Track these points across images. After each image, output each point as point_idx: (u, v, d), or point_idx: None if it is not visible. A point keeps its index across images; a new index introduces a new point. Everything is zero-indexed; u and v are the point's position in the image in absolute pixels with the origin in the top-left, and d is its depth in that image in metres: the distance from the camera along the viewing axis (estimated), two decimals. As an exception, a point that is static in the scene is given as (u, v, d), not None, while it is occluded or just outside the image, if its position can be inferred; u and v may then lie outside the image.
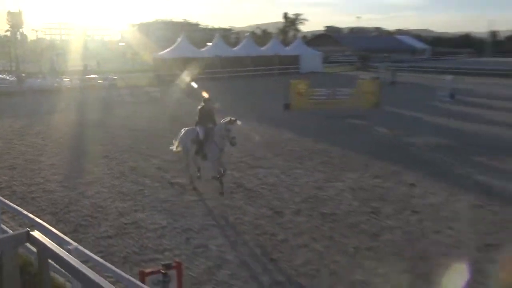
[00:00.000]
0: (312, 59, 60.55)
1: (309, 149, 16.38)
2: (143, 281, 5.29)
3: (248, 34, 71.76)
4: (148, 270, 5.65)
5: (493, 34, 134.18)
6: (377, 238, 8.89)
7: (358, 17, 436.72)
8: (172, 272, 5.74)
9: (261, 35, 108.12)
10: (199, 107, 11.79)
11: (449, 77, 31.97)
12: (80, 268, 2.28)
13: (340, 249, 8.39)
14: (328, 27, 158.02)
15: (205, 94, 12.12)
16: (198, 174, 12.25)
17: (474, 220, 9.84)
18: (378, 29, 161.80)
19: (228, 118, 10.99)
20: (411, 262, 7.96)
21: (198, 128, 11.68)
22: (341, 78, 47.62)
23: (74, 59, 51.37)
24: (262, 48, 58.88)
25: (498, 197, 11.32)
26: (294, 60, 58.17)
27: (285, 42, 74.35)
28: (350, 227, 9.38)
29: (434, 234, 9.11)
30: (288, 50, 60.95)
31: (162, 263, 5.82)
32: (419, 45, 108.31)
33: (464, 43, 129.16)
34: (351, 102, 26.20)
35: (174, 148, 12.43)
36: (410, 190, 11.82)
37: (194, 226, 9.44)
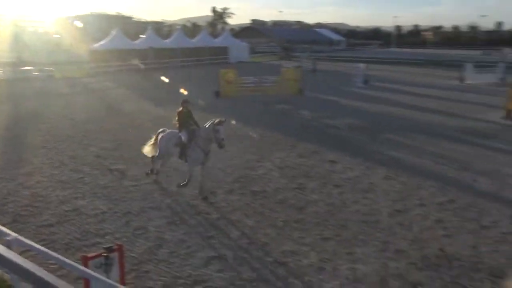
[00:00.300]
0: (239, 50, 60.68)
1: (238, 133, 16.39)
2: (85, 266, 5.09)
3: (179, 27, 70.44)
4: (90, 255, 5.46)
5: (398, 28, 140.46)
6: (303, 211, 9.09)
7: (280, 11, 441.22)
8: (114, 255, 5.58)
9: (191, 28, 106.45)
10: (178, 110, 10.22)
11: (362, 65, 33.19)
12: (10, 257, 2.13)
13: (270, 223, 8.50)
14: (253, 20, 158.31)
15: (184, 92, 11.29)
16: (149, 174, 11.01)
17: (386, 190, 10.32)
18: (299, 23, 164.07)
19: (217, 119, 9.64)
20: (334, 230, 8.22)
21: (181, 133, 10.18)
22: (267, 67, 47.95)
23: (4, 51, 47.68)
24: (193, 40, 58.10)
25: (406, 169, 11.94)
26: (223, 51, 57.93)
27: (214, 35, 73.62)
28: (279, 203, 9.53)
29: (353, 204, 9.47)
30: (217, 42, 60.57)
31: (104, 246, 5.64)
32: (335, 37, 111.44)
33: (374, 36, 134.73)
34: (276, 89, 26.55)
35: (147, 152, 10.96)
36: (331, 167, 12.17)
37: (134, 210, 9.19)
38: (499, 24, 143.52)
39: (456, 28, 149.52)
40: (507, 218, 8.84)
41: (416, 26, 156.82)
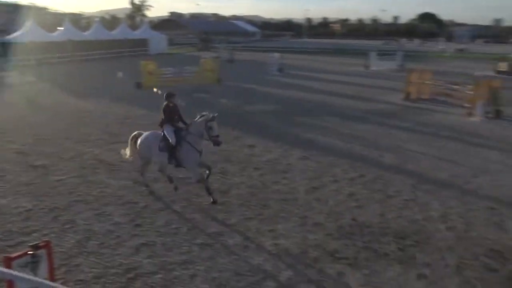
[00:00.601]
0: (159, 41, 59.05)
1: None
2: (9, 267, 4.64)
3: (98, 19, 66.77)
4: (14, 255, 5.02)
5: (309, 20, 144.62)
6: (227, 194, 9.07)
7: (198, 4, 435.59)
8: (42, 252, 5.20)
9: (110, 20, 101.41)
10: (163, 105, 8.71)
11: (277, 55, 33.75)
12: None
13: (196, 208, 8.39)
14: (171, 12, 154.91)
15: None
16: (176, 189, 9.14)
17: (303, 170, 10.60)
18: (215, 15, 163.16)
19: (210, 115, 8.40)
20: (256, 210, 8.30)
21: (165, 131, 8.58)
22: (186, 58, 47.07)
23: None
24: (112, 32, 55.36)
25: (320, 150, 12.35)
26: (143, 43, 56.00)
27: (133, 27, 70.72)
28: (203, 188, 9.39)
29: (273, 184, 9.61)
30: (137, 34, 58.37)
31: (30, 244, 5.23)
32: (251, 28, 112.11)
33: (287, 27, 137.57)
34: (196, 79, 26.19)
35: (126, 155, 9.49)
36: (250, 151, 12.26)
37: (61, 204, 8.58)
38: (396, 18, 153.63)
39: (360, 20, 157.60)
40: (409, 187, 9.52)
41: (325, 18, 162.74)
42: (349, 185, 9.65)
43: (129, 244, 7.03)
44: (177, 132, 8.54)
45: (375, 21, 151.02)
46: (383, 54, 40.59)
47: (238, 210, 8.31)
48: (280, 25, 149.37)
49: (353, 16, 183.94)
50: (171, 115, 8.68)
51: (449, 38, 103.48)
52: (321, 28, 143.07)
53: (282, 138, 13.51)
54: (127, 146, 9.45)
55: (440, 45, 72.50)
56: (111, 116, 16.80)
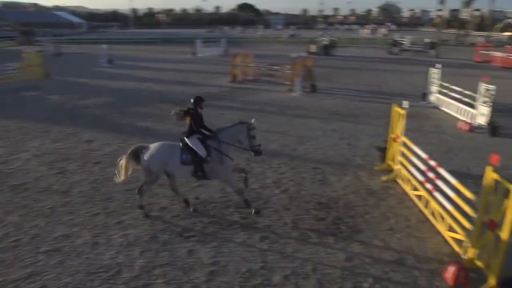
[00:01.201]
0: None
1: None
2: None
3: None
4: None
5: (134, 11, 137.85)
6: (69, 194, 8.24)
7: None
8: None
9: None
10: (190, 112, 7.00)
11: (105, 46, 31.34)
12: None
13: (37, 214, 7.41)
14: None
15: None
16: (190, 209, 7.56)
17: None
18: (35, 5, 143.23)
19: (249, 122, 7.07)
20: (101, 205, 7.76)
21: (191, 142, 6.93)
22: (4, 53, 40.51)
23: None
24: None
25: (157, 136, 11.82)
26: None
27: None
28: (42, 191, 8.36)
29: (114, 176, 8.99)
30: None
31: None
32: (76, 20, 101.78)
33: (113, 18, 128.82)
34: (20, 75, 22.82)
35: (120, 178, 7.34)
36: (88, 146, 11.30)
37: None
38: (218, 8, 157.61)
39: (184, 10, 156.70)
40: (244, 160, 9.74)
41: (150, 9, 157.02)
42: (188, 167, 9.66)
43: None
44: (203, 141, 7.05)
45: (198, 10, 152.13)
46: (209, 41, 41.27)
47: (83, 208, 7.64)
48: (106, 16, 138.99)
49: (177, 7, 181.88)
50: (200, 124, 7.11)
51: (266, 25, 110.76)
52: (147, 19, 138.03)
53: (119, 130, 12.77)
54: (120, 166, 7.34)
55: (259, 31, 76.87)
56: None
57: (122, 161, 7.32)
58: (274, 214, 7.44)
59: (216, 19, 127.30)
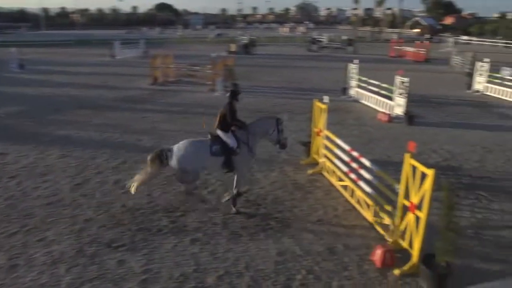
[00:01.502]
0: None
1: None
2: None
3: None
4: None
5: (45, 10, 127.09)
6: (-20, 213, 7.34)
7: None
8: None
9: None
10: (227, 104, 6.99)
11: (14, 50, 28.42)
12: None
13: None
14: None
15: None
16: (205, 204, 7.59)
17: (63, 168, 9.45)
18: None
19: (279, 116, 7.34)
20: (19, 223, 6.98)
21: (222, 135, 6.91)
22: None
23: None
24: None
25: (78, 144, 11.23)
26: None
27: None
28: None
29: (34, 190, 8.25)
30: None
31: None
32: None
33: (21, 18, 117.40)
34: None
35: (134, 186, 7.07)
36: (2, 159, 10.15)
37: None
38: (135, 8, 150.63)
39: (100, 10, 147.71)
40: None
41: (63, 8, 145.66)
42: (114, 174, 9.16)
43: None
44: (234, 133, 7.03)
45: (114, 10, 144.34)
46: (127, 42, 39.30)
47: (-2, 227, 6.85)
48: (13, 16, 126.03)
49: (92, 6, 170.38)
50: (232, 115, 6.98)
51: (186, 25, 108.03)
52: (60, 19, 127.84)
53: (36, 140, 11.65)
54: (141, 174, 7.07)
55: (178, 32, 74.69)
56: None
57: (145, 169, 7.07)
58: (203, 215, 7.30)
59: (133, 20, 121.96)
